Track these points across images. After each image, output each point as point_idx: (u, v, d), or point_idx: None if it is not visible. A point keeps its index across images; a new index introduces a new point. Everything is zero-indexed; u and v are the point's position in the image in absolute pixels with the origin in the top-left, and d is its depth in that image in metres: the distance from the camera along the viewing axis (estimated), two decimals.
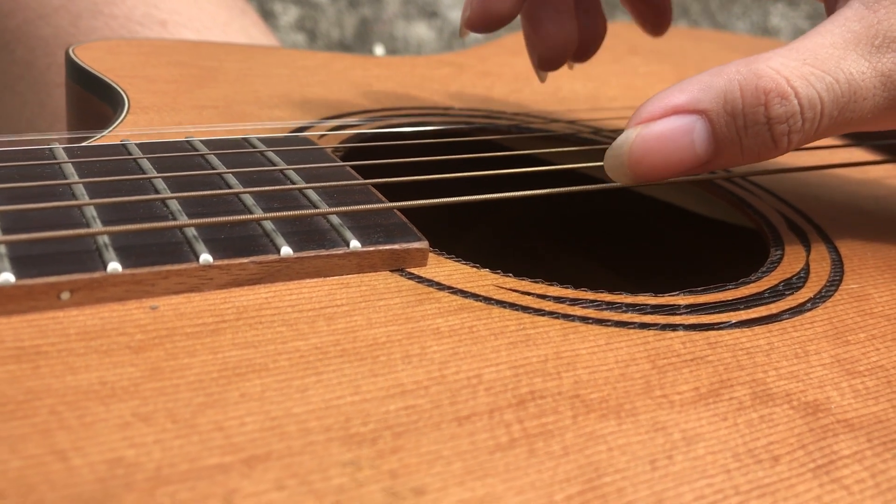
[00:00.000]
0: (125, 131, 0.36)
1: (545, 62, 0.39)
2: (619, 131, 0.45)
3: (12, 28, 0.54)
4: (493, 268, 0.29)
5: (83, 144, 0.32)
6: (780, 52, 0.30)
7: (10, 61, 0.55)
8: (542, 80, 0.41)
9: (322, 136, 0.38)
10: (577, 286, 0.29)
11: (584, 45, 0.41)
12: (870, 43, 0.30)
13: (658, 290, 0.29)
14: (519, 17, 0.39)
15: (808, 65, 0.29)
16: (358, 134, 0.40)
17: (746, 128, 0.29)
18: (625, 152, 0.30)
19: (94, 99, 0.43)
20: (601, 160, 0.37)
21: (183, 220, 0.26)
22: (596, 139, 0.44)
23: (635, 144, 0.30)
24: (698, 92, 0.29)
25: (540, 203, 0.53)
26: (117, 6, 0.54)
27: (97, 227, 0.25)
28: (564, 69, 0.55)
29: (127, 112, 0.38)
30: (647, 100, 0.30)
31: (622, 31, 0.62)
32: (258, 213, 0.27)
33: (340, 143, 0.38)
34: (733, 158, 0.30)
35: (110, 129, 0.36)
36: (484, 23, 0.37)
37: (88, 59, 0.44)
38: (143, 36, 0.53)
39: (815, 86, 0.29)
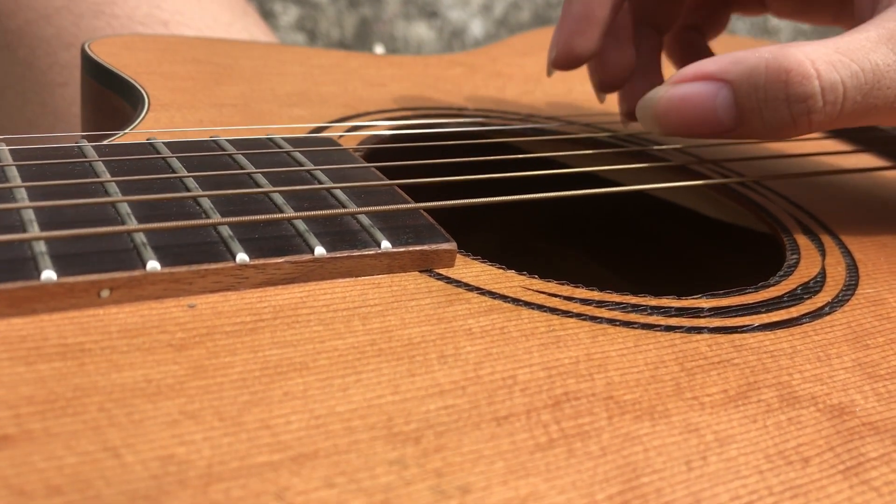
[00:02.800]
0: (148, 129, 0.36)
1: (605, 86, 0.43)
2: (631, 135, 0.45)
3: (14, 28, 0.55)
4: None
5: (110, 142, 0.32)
6: (815, 41, 0.32)
7: (12, 61, 0.55)
8: (602, 100, 0.45)
9: (342, 136, 0.39)
10: (590, 288, 0.29)
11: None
12: None
13: (671, 295, 0.30)
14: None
15: (839, 53, 0.31)
16: (376, 135, 0.40)
17: (767, 101, 0.32)
18: (652, 105, 0.34)
19: (110, 94, 0.43)
20: (613, 163, 0.38)
21: (218, 219, 0.27)
22: (608, 142, 0.44)
23: (662, 99, 0.33)
24: (728, 64, 0.32)
25: (551, 205, 0.53)
26: (119, 6, 0.54)
27: (133, 225, 0.25)
28: (574, 71, 0.56)
29: (147, 109, 0.38)
30: (684, 67, 0.33)
31: None
32: (291, 213, 0.28)
33: (360, 143, 0.39)
34: (756, 130, 0.33)
35: (133, 126, 0.36)
36: (569, 62, 0.40)
37: (105, 54, 0.44)
38: None
39: (839, 71, 0.31)
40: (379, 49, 1.25)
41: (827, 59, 0.31)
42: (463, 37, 1.30)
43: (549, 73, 0.41)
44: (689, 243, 0.50)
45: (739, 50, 0.33)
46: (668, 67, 0.45)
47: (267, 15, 1.21)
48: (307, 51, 0.53)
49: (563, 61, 0.40)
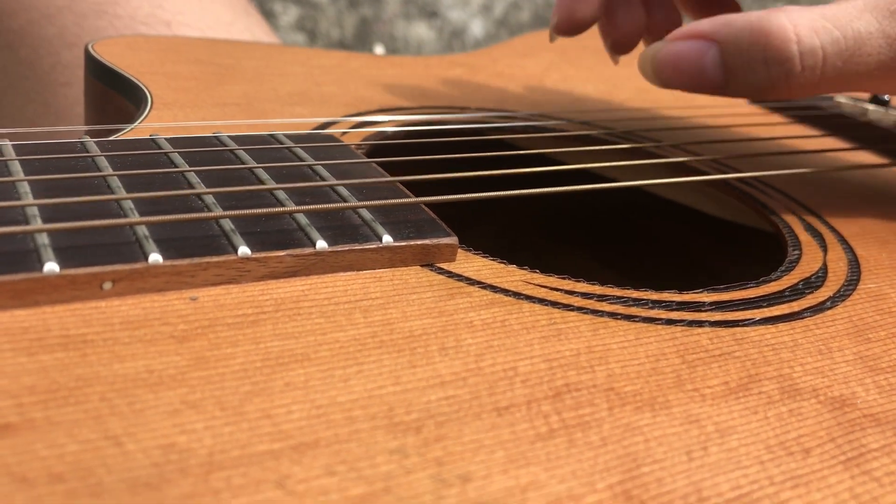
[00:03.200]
0: (151, 125, 0.36)
1: (618, 46, 0.44)
2: (631, 132, 0.45)
3: (16, 28, 0.55)
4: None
5: (113, 138, 0.33)
6: (805, 7, 0.33)
7: (14, 61, 0.55)
8: (616, 62, 0.46)
9: (344, 133, 0.39)
10: (591, 283, 0.29)
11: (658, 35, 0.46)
12: (887, 8, 0.33)
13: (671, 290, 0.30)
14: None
15: (824, 19, 0.33)
16: (378, 132, 0.40)
17: (749, 63, 0.33)
18: (650, 58, 0.36)
19: (114, 94, 0.43)
20: (614, 160, 0.38)
21: (220, 212, 0.27)
22: (608, 139, 0.44)
23: (659, 54, 0.36)
24: (720, 25, 0.34)
25: (552, 203, 0.53)
26: (121, 6, 0.54)
27: (136, 218, 0.25)
28: (575, 72, 0.56)
29: (150, 108, 0.39)
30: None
31: None
32: (292, 207, 0.28)
33: (361, 140, 0.39)
34: (743, 89, 0.35)
35: (136, 123, 0.36)
36: (570, 27, 0.42)
37: (108, 54, 0.44)
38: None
39: (820, 36, 0.32)
40: (379, 49, 1.25)
41: (810, 24, 0.32)
42: (463, 37, 1.30)
43: (552, 39, 0.43)
44: (690, 242, 0.51)
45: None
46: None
47: (267, 15, 1.21)
48: (309, 51, 0.53)
49: (564, 27, 0.42)
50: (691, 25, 0.35)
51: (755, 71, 0.33)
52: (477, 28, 1.30)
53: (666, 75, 0.36)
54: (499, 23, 1.31)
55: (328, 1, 1.26)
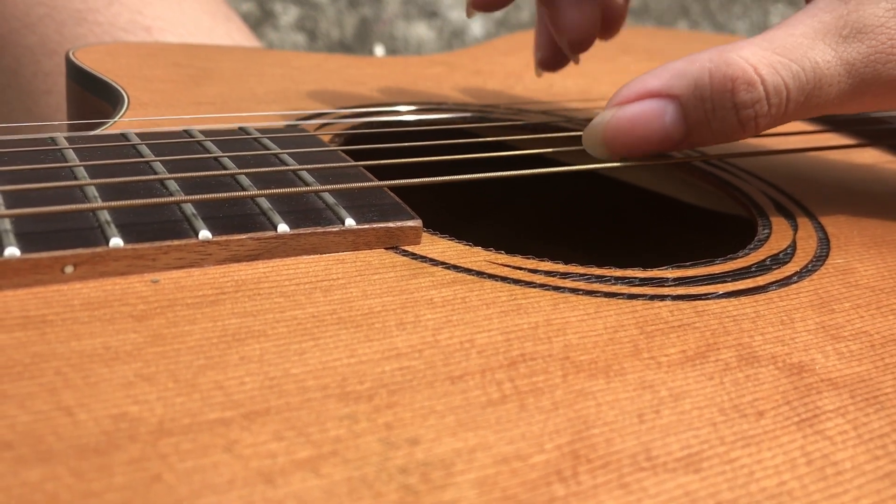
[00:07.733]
0: (125, 121, 0.37)
1: (575, 45, 0.41)
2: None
3: None
4: None
5: (84, 133, 0.33)
6: (752, 41, 0.32)
7: None
8: (577, 62, 0.43)
9: (318, 127, 0.39)
10: (555, 261, 0.29)
11: (608, 22, 0.43)
12: (838, 33, 0.32)
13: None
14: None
15: (777, 54, 0.31)
16: (350, 124, 0.40)
17: (715, 111, 0.32)
18: (600, 131, 0.33)
19: (95, 99, 0.43)
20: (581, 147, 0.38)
21: (181, 196, 0.27)
22: (575, 128, 0.45)
23: (610, 124, 0.33)
24: (672, 78, 0.32)
25: (524, 192, 0.54)
26: (101, 13, 0.55)
27: (97, 203, 0.26)
28: (570, 68, 0.56)
29: (126, 108, 0.39)
30: (626, 84, 0.33)
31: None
32: (253, 192, 0.28)
33: (333, 133, 0.39)
34: (704, 138, 0.33)
35: (110, 122, 0.37)
36: (486, 3, 0.39)
37: (88, 60, 0.45)
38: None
39: (781, 73, 0.31)
40: (379, 49, 1.26)
41: (767, 62, 0.31)
42: (463, 37, 1.30)
43: (469, 15, 0.41)
44: (664, 229, 0.51)
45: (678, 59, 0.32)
46: None
47: (267, 15, 1.22)
48: (288, 54, 0.53)
49: (480, 2, 0.40)
50: (637, 84, 0.32)
51: (723, 119, 0.32)
52: (477, 28, 1.31)
53: (621, 144, 0.33)
54: (499, 23, 1.31)
55: (328, 1, 1.26)
